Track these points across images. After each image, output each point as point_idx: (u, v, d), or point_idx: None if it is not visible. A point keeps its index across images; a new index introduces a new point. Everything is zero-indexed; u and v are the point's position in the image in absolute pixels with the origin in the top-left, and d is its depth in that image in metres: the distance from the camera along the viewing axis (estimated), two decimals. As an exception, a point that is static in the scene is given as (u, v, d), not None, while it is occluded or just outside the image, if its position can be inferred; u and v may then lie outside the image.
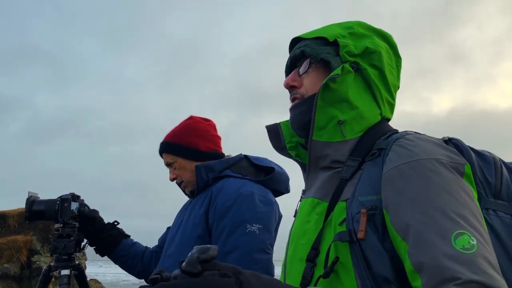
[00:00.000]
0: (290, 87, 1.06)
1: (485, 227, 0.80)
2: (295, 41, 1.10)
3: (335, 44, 1.01)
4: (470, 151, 0.90)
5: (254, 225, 1.63)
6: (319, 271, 0.89)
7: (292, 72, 1.07)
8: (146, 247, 2.10)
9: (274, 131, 1.11)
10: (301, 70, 1.05)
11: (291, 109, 1.05)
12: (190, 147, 1.82)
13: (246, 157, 1.90)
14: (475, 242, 0.74)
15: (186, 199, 2.00)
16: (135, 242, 2.07)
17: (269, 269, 1.62)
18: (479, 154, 0.92)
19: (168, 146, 1.86)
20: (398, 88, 1.08)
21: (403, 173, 0.83)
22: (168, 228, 2.08)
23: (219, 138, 1.93)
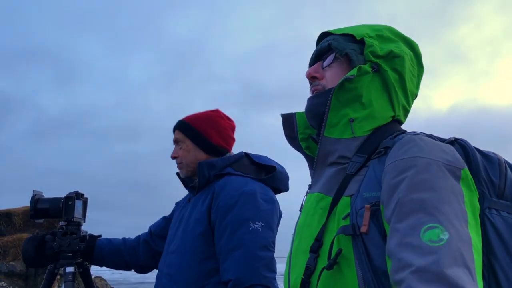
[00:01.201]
0: (311, 78, 1.08)
1: (468, 230, 0.79)
2: (323, 36, 1.13)
3: (361, 43, 1.04)
4: (476, 151, 0.92)
5: (257, 223, 1.64)
6: (322, 261, 0.91)
7: (316, 64, 1.09)
8: (124, 238, 2.11)
9: (288, 121, 1.13)
10: (325, 63, 1.07)
11: (309, 99, 1.07)
12: (203, 135, 1.85)
13: (246, 154, 1.91)
14: (445, 237, 0.74)
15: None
16: (110, 238, 2.08)
17: (272, 266, 1.64)
18: (484, 154, 0.93)
19: (184, 125, 1.88)
20: (416, 96, 1.10)
21: (397, 168, 0.85)
22: (164, 218, 2.10)
23: (233, 139, 1.95)
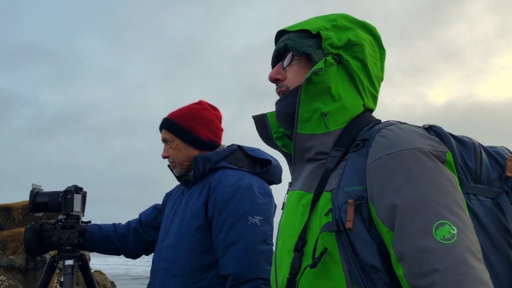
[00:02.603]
0: (274, 80, 1.07)
1: (468, 213, 0.82)
2: (281, 34, 1.11)
3: (318, 36, 1.02)
4: (450, 137, 0.92)
5: (255, 217, 1.64)
6: (307, 260, 0.91)
7: (277, 66, 1.08)
8: (114, 224, 2.11)
9: (261, 122, 1.12)
10: (285, 63, 1.06)
11: (277, 103, 1.07)
12: (191, 132, 1.82)
13: (240, 147, 1.90)
14: (455, 232, 0.76)
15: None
16: (100, 225, 2.08)
17: (271, 259, 1.64)
18: (459, 140, 0.93)
19: (171, 124, 1.85)
20: (382, 79, 1.09)
21: (385, 164, 0.84)
22: (154, 208, 2.09)
23: (221, 130, 1.92)
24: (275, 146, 1.12)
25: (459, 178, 0.87)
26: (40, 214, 2.05)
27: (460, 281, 0.72)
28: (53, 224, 1.97)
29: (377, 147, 0.88)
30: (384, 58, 1.08)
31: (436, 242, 0.76)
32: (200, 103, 1.90)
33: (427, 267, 0.75)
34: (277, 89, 1.08)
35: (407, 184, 0.81)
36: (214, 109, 1.91)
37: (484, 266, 0.76)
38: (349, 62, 1.00)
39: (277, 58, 1.10)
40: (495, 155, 0.94)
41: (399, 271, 0.80)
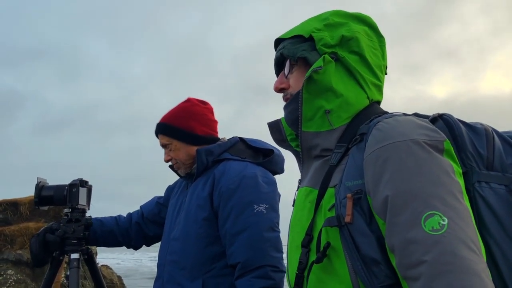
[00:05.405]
0: (279, 90, 1.09)
1: (466, 203, 0.80)
2: (278, 42, 1.12)
3: (312, 39, 1.02)
4: (460, 124, 0.90)
5: (261, 205, 1.66)
6: (313, 256, 0.92)
7: (279, 76, 1.10)
8: (115, 218, 2.12)
9: (275, 127, 1.14)
10: (286, 72, 1.08)
11: (284, 108, 1.08)
12: (186, 130, 1.83)
13: (241, 139, 1.92)
14: (445, 222, 0.75)
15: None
16: (101, 220, 2.08)
17: (279, 246, 1.67)
18: (470, 126, 0.91)
19: (165, 128, 1.86)
20: (386, 67, 1.08)
21: (379, 157, 0.84)
22: (157, 202, 2.10)
23: (215, 122, 1.94)
24: (288, 147, 1.14)
25: (470, 166, 0.86)
26: (46, 208, 2.05)
27: (448, 272, 0.71)
28: (56, 229, 1.95)
29: (372, 140, 0.88)
30: (384, 45, 1.07)
31: (424, 233, 0.75)
32: (189, 100, 1.92)
33: (415, 258, 0.75)
34: (283, 97, 1.09)
35: (398, 176, 0.81)
36: (204, 103, 1.92)
37: (480, 257, 0.75)
38: (346, 58, 1.00)
39: (278, 67, 1.12)
40: (510, 140, 0.92)
41: (393, 262, 0.80)
